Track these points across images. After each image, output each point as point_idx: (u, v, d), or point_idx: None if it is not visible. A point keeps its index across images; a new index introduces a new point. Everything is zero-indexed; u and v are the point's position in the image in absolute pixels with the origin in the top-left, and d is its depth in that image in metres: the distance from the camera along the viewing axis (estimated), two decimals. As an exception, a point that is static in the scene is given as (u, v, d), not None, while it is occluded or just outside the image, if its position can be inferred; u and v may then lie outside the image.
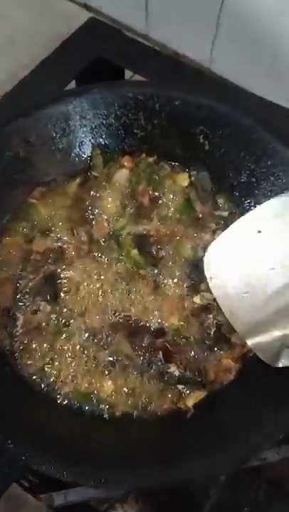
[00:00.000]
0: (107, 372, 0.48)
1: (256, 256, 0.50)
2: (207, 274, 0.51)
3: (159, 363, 0.48)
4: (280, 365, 0.44)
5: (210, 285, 0.50)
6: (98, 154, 0.58)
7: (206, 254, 0.52)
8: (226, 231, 0.52)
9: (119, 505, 0.53)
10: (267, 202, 0.51)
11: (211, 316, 0.51)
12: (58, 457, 0.38)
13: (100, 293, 0.51)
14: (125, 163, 0.58)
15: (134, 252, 0.53)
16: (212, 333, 0.50)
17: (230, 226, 0.52)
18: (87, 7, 0.96)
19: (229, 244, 0.52)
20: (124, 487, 0.40)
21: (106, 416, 0.45)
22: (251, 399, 0.44)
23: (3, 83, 0.88)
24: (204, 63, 0.89)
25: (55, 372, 0.48)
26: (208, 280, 0.51)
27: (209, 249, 0.52)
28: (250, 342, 0.47)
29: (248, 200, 0.57)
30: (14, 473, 0.37)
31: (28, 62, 0.91)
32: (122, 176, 0.57)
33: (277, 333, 0.46)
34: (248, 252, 0.50)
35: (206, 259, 0.52)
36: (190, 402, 0.46)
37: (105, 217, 0.56)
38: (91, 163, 0.58)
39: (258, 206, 0.53)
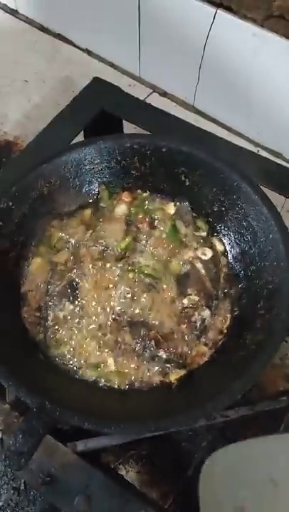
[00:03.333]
0: (112, 354, 0.64)
1: None
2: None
3: (152, 349, 0.64)
4: None
5: None
6: (104, 189, 0.75)
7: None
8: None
9: (122, 466, 0.71)
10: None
11: (196, 312, 0.67)
12: (80, 413, 0.54)
13: (109, 297, 0.67)
14: (124, 198, 0.74)
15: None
16: (198, 325, 0.66)
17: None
18: (89, 52, 1.13)
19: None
20: (130, 434, 0.57)
21: (116, 386, 0.62)
22: (219, 374, 0.61)
23: (18, 121, 1.05)
24: (188, 101, 1.06)
25: (75, 354, 0.64)
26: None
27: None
28: None
29: (220, 225, 0.73)
30: (50, 424, 0.54)
31: (39, 101, 1.09)
32: (121, 209, 0.73)
33: None
34: None
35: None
36: (174, 377, 0.62)
37: (112, 238, 0.72)
38: (99, 197, 0.75)
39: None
